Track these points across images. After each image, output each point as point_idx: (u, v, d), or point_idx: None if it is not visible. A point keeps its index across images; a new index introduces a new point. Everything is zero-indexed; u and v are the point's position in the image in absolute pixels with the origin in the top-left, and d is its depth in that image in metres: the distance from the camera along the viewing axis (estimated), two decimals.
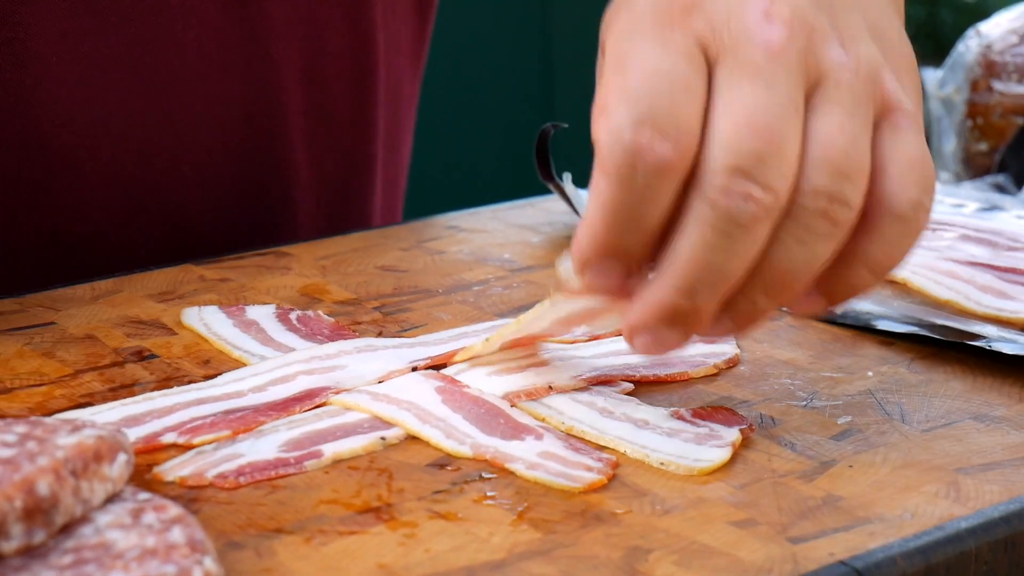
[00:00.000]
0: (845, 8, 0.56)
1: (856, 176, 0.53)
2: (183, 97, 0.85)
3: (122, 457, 0.50)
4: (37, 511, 0.47)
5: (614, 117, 0.53)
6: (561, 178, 0.86)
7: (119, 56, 0.82)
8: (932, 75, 1.08)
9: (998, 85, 1.04)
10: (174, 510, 0.49)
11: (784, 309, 0.59)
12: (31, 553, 0.46)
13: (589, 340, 0.67)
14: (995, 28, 1.06)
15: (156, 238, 0.86)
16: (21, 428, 0.50)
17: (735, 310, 0.54)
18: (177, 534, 0.47)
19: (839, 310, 0.60)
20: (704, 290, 0.52)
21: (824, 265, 0.53)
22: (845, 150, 0.53)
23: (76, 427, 0.50)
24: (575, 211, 0.86)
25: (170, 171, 0.85)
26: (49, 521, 0.47)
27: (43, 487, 0.47)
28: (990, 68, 1.04)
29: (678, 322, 0.54)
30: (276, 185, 0.90)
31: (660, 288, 0.53)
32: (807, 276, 0.53)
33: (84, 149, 0.82)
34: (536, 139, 0.86)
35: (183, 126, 0.85)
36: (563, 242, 0.84)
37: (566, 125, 0.91)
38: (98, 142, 0.82)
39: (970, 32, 1.07)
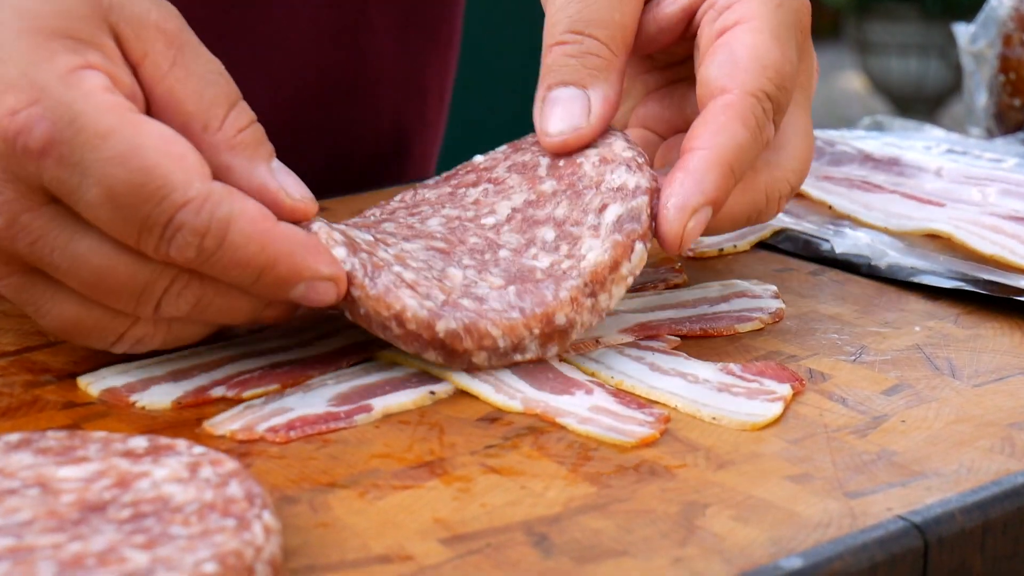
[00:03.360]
0: None
1: None
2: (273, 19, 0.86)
3: (638, 247, 0.58)
4: (553, 335, 0.56)
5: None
6: None
7: None
8: (964, 30, 1.07)
9: None
10: (230, 464, 0.48)
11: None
12: (89, 507, 0.45)
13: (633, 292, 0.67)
14: None
15: None
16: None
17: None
18: (235, 488, 0.47)
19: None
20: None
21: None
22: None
23: (602, 207, 0.60)
24: None
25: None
26: (564, 340, 0.57)
27: (561, 318, 0.56)
28: (1023, 22, 1.03)
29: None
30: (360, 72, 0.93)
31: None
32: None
33: None
34: None
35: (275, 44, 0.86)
36: None
37: None
38: None
39: None
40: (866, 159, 0.84)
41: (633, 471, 0.52)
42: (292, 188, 0.58)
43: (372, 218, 0.65)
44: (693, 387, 0.57)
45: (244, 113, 0.57)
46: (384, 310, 0.55)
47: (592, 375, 0.59)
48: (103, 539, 0.43)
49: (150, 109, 0.56)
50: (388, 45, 0.93)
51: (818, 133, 0.93)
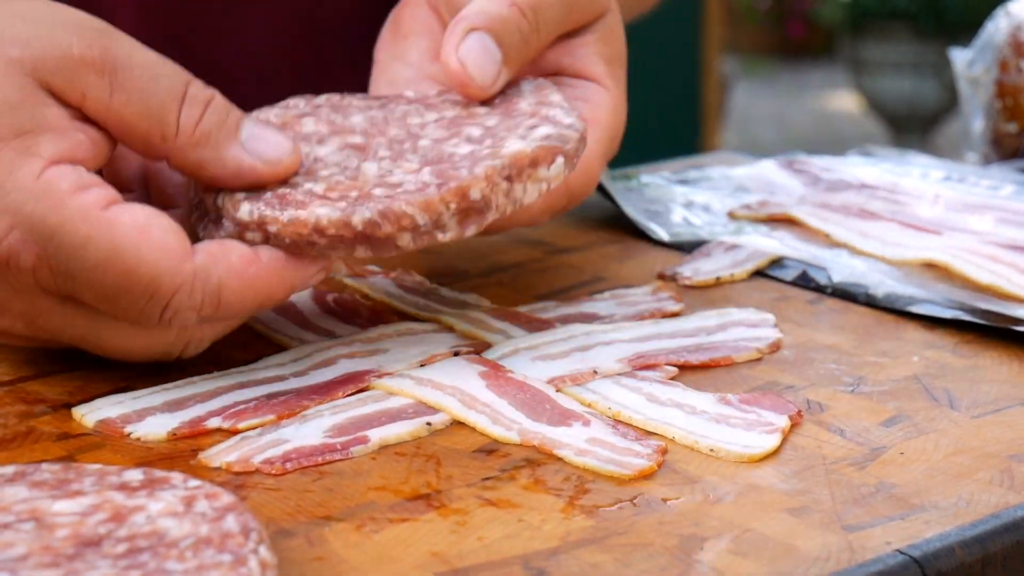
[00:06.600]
0: None
1: None
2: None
3: (559, 160, 0.57)
4: (470, 211, 0.56)
5: None
6: None
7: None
8: (961, 55, 1.07)
9: None
10: (226, 498, 0.48)
11: None
12: (84, 542, 0.45)
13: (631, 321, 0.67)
14: None
15: None
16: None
17: None
18: (231, 522, 0.46)
19: None
20: None
21: None
22: None
23: (533, 125, 0.60)
24: (610, 198, 0.85)
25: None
26: (481, 219, 0.56)
27: (475, 194, 0.56)
28: (1019, 48, 1.04)
29: None
30: None
31: None
32: None
33: None
34: None
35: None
36: (597, 224, 0.84)
37: None
38: None
39: (1000, 12, 1.06)
40: (863, 186, 0.84)
41: (631, 504, 0.51)
42: (267, 151, 0.59)
43: (295, 110, 0.66)
44: (691, 418, 0.57)
45: (196, 102, 0.58)
46: (303, 229, 0.57)
47: (590, 406, 0.59)
48: (98, 574, 0.43)
49: (111, 136, 0.58)
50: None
51: (815, 159, 0.93)
